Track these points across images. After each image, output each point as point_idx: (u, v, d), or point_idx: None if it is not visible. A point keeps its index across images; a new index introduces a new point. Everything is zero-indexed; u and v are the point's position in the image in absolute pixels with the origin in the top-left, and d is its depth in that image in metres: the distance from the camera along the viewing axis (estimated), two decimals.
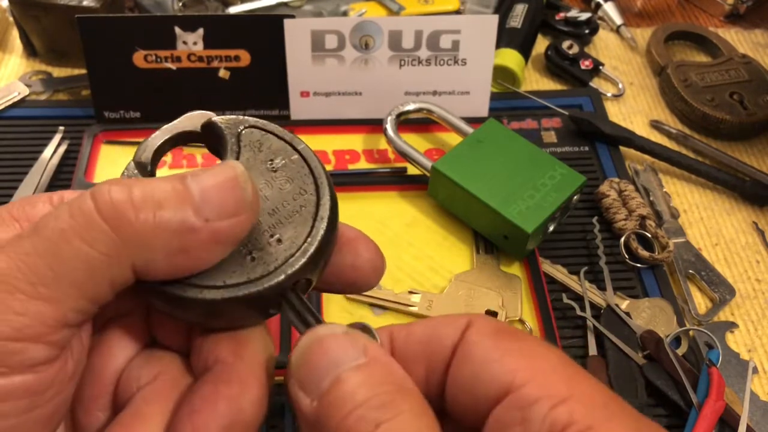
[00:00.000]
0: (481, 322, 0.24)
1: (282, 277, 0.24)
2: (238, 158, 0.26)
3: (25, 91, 0.66)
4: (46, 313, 0.21)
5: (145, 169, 0.25)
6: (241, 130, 0.27)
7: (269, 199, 0.25)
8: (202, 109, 0.27)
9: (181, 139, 0.27)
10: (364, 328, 0.24)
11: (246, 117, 0.27)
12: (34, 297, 0.21)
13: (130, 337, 0.26)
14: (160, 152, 0.26)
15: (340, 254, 0.26)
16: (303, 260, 0.24)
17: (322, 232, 0.25)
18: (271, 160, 0.26)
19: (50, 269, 0.21)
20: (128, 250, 0.21)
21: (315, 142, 0.62)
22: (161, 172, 0.59)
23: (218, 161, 0.26)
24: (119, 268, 0.22)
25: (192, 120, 0.27)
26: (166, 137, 0.26)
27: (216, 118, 0.27)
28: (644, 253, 0.54)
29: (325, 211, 0.25)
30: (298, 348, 0.23)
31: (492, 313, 0.51)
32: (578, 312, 0.51)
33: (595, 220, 0.56)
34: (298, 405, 0.22)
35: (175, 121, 0.27)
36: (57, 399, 0.23)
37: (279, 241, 0.24)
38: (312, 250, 0.24)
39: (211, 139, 0.27)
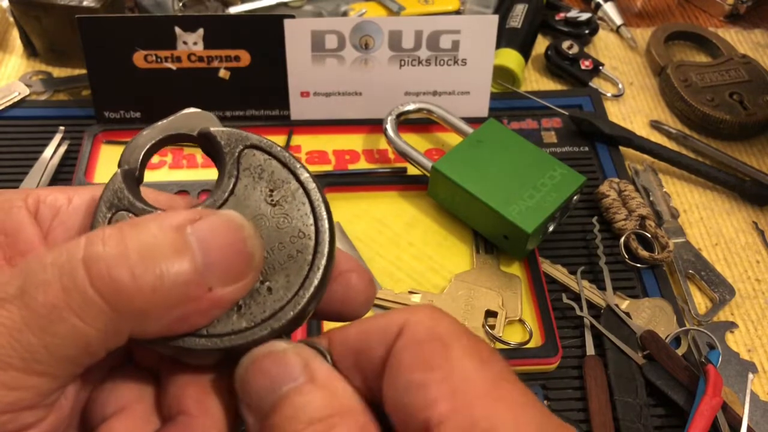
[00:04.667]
0: (413, 327, 0.21)
1: (267, 331, 0.22)
2: (236, 184, 0.24)
3: (26, 91, 0.66)
4: (42, 386, 0.20)
5: (133, 176, 0.24)
6: (242, 150, 0.24)
7: (264, 238, 0.23)
8: (203, 110, 0.26)
9: (174, 141, 0.25)
10: (309, 344, 0.23)
11: (248, 133, 0.25)
12: (28, 373, 0.20)
13: (106, 359, 0.25)
14: (150, 154, 0.25)
15: (330, 287, 0.25)
16: (291, 315, 0.23)
17: (316, 283, 0.23)
18: (271, 191, 0.24)
19: (44, 347, 0.20)
20: (126, 324, 0.20)
21: (315, 142, 0.63)
22: (160, 172, 0.59)
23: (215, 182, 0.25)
24: (115, 339, 0.21)
25: (188, 120, 0.25)
26: (158, 138, 0.24)
27: (214, 129, 0.25)
28: (644, 253, 0.54)
29: (321, 260, 0.23)
30: (239, 367, 0.22)
31: (492, 313, 0.51)
32: (578, 312, 0.51)
33: (594, 220, 0.56)
34: (245, 422, 0.22)
35: (170, 119, 0.25)
36: None
37: (269, 290, 0.23)
38: (302, 303, 0.23)
39: (207, 148, 0.25)
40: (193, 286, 0.21)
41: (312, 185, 0.24)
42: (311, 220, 0.24)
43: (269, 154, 0.25)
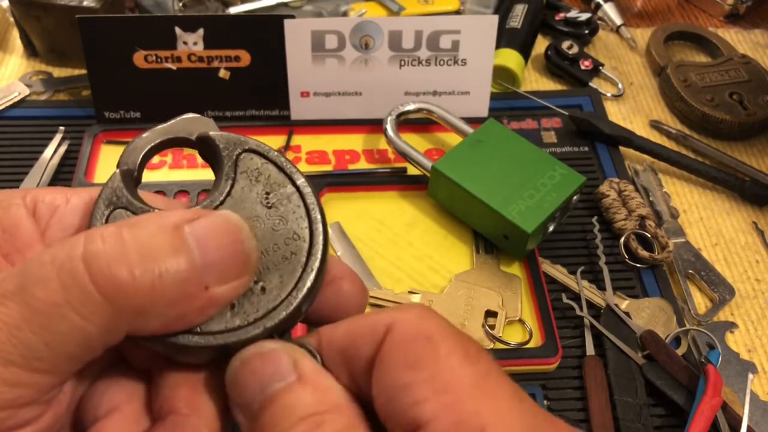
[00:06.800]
0: (401, 326, 0.21)
1: (260, 330, 0.23)
2: (233, 186, 0.24)
3: (26, 91, 0.66)
4: (42, 382, 0.20)
5: (132, 176, 0.24)
6: (240, 154, 0.25)
7: (259, 239, 0.24)
8: (203, 110, 0.26)
9: (173, 144, 0.25)
10: (298, 343, 0.23)
11: (246, 138, 0.25)
12: (29, 370, 0.20)
13: (98, 359, 0.25)
14: (148, 156, 0.25)
15: (322, 293, 0.25)
16: (284, 314, 0.23)
17: (308, 284, 0.23)
18: (267, 193, 0.24)
19: (45, 345, 0.20)
20: (125, 320, 0.20)
21: (315, 142, 0.63)
22: (161, 172, 0.59)
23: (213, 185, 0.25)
24: (114, 335, 0.21)
25: (187, 125, 0.25)
26: (157, 141, 0.25)
27: (213, 133, 0.25)
28: (644, 253, 0.54)
29: (315, 262, 0.24)
30: (229, 368, 0.23)
31: (492, 313, 0.51)
32: (578, 312, 0.51)
33: (594, 220, 0.56)
34: (237, 422, 0.22)
35: (169, 123, 0.25)
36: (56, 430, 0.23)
37: (263, 290, 0.23)
38: (295, 303, 0.23)
39: (206, 152, 0.26)
40: (191, 284, 0.21)
41: (308, 189, 0.25)
42: (306, 223, 0.24)
43: (266, 158, 0.25)
